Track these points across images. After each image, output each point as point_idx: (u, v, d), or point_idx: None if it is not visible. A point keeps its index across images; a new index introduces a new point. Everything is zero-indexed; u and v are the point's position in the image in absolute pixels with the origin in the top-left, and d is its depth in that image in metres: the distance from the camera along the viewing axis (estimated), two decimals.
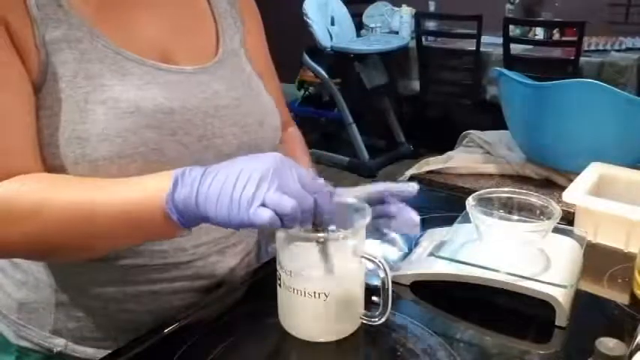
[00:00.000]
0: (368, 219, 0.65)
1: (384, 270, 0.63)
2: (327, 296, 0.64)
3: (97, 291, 0.76)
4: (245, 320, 0.72)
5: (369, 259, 0.64)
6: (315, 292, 0.64)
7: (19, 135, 0.65)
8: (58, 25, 0.67)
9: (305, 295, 0.64)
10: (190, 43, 0.79)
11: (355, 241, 0.65)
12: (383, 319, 0.65)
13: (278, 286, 0.67)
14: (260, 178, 0.57)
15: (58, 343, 0.79)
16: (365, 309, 0.68)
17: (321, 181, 0.63)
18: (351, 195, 0.71)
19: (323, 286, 0.64)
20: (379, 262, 0.63)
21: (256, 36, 0.92)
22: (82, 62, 0.68)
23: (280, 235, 0.66)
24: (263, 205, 0.56)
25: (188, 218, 0.60)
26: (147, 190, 0.61)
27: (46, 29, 0.67)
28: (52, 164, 0.67)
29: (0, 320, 0.82)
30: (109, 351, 0.69)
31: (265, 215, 0.56)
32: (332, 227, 0.66)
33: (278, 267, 0.66)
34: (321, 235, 0.63)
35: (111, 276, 0.75)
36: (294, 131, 1.02)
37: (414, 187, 0.77)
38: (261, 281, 0.75)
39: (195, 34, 0.81)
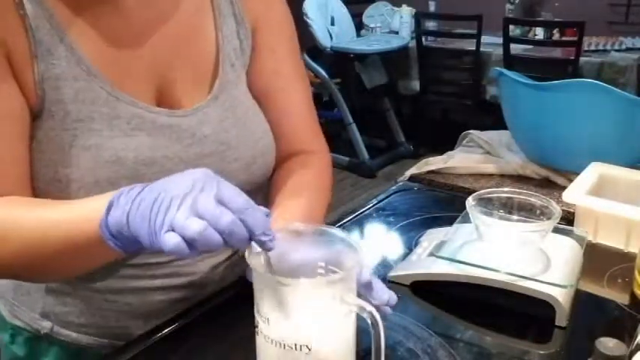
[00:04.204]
0: (359, 261, 0.55)
1: (377, 324, 0.51)
2: (309, 349, 0.52)
3: (84, 283, 0.77)
4: (244, 320, 0.71)
5: (358, 310, 0.52)
6: (295, 345, 0.52)
7: (12, 163, 0.67)
8: (58, 61, 0.67)
9: (284, 347, 0.53)
10: (189, 72, 0.77)
11: (343, 286, 0.53)
12: None
13: (256, 334, 0.56)
14: (171, 198, 0.52)
15: (45, 326, 0.81)
16: None
17: (251, 202, 0.54)
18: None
19: (304, 336, 0.53)
20: (369, 312, 0.51)
21: (279, 54, 0.85)
22: (75, 102, 0.68)
23: (256, 274, 0.55)
24: (173, 229, 0.51)
25: (123, 242, 0.56)
26: (85, 213, 0.59)
27: (47, 66, 0.67)
28: (37, 196, 0.69)
29: None
30: (92, 337, 0.71)
31: (171, 241, 0.50)
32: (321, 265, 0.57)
33: (255, 312, 0.56)
34: (303, 280, 0.52)
35: (96, 271, 0.75)
36: (314, 165, 0.87)
37: (392, 299, 0.63)
38: None
39: (194, 61, 0.78)
